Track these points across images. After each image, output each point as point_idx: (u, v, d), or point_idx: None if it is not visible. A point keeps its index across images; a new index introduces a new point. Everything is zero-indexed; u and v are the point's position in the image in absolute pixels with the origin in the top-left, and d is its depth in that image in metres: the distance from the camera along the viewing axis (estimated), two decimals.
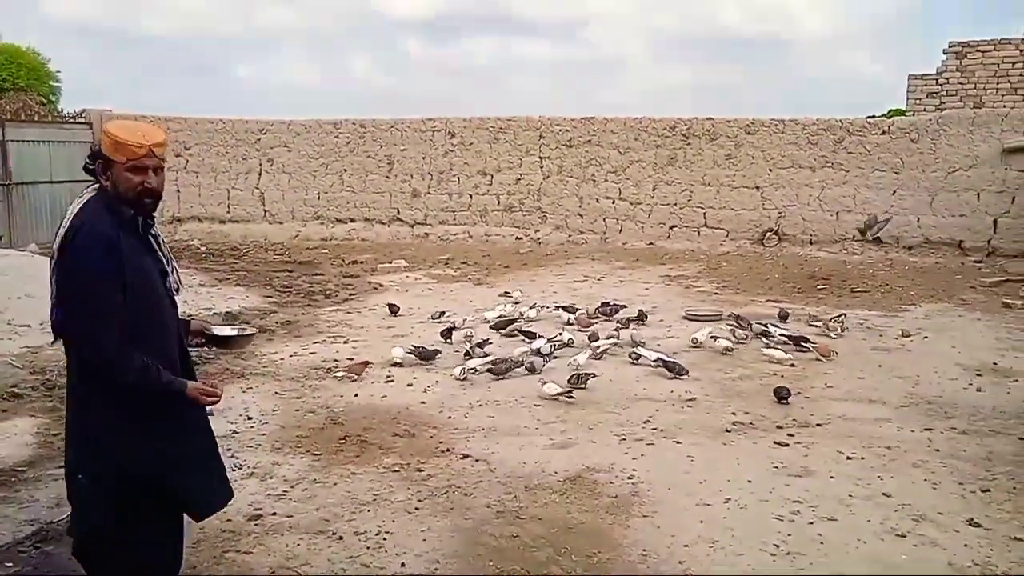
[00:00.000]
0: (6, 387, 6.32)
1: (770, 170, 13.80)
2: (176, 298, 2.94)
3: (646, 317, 8.66)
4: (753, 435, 5.40)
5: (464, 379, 6.58)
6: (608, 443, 5.24)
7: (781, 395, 6.08)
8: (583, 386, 6.30)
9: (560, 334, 7.78)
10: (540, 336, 7.65)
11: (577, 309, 9.07)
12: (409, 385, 6.53)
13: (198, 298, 10.27)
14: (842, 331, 8.14)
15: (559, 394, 6.10)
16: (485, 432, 5.45)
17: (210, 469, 2.94)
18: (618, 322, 8.51)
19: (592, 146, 14.83)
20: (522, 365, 6.83)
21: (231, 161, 16.50)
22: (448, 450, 5.11)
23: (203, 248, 15.10)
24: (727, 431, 5.46)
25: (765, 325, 8.05)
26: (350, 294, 10.91)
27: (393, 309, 9.16)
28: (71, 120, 17.57)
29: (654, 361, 6.86)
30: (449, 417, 5.76)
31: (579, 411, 5.87)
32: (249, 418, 5.69)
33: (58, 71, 24.99)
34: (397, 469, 4.79)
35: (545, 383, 6.31)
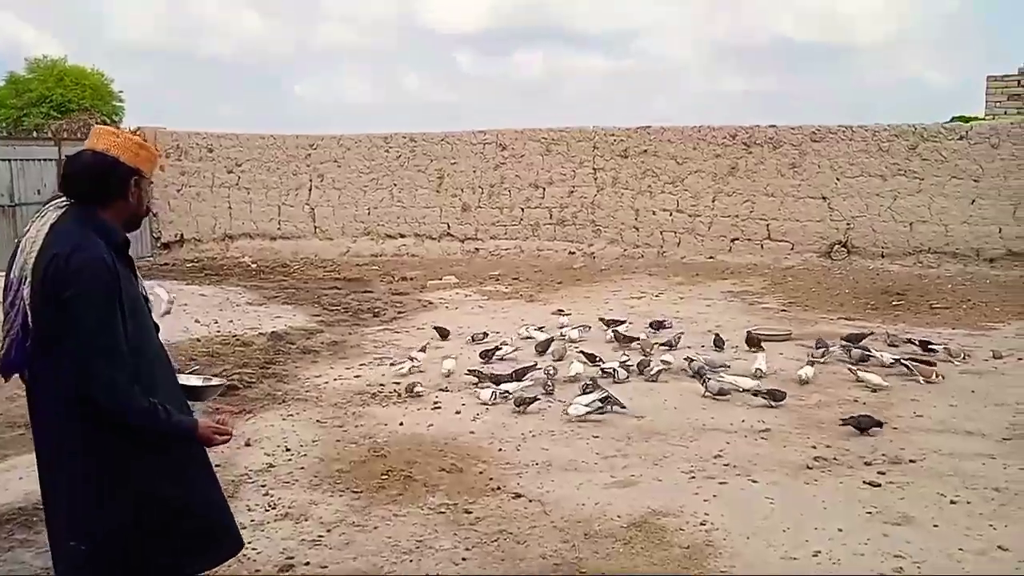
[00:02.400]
0: None
1: (837, 179, 13.08)
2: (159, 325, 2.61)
3: (723, 343, 7.92)
4: (838, 472, 4.84)
5: (493, 404, 6.18)
6: (675, 481, 4.74)
7: (863, 425, 5.50)
8: (610, 408, 5.88)
9: (626, 358, 7.27)
10: (599, 360, 7.15)
11: (622, 323, 8.62)
12: (457, 412, 6.11)
13: (245, 317, 10.06)
14: (965, 357, 7.37)
15: (588, 413, 5.76)
16: (539, 467, 4.99)
17: (213, 514, 2.58)
18: (667, 345, 7.82)
19: (648, 156, 14.29)
20: (548, 392, 6.38)
21: (282, 177, 16.35)
22: (499, 488, 4.67)
23: (254, 265, 14.97)
24: (808, 468, 4.91)
25: (866, 348, 7.45)
26: (399, 312, 10.58)
27: (443, 333, 8.67)
28: None
29: (755, 393, 6.20)
30: (500, 449, 5.31)
31: (643, 444, 5.37)
32: (287, 449, 5.33)
33: (121, 91, 25.47)
34: (443, 510, 4.37)
35: (571, 404, 5.90)
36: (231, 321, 9.68)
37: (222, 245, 16.46)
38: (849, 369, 6.86)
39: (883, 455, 5.08)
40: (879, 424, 5.47)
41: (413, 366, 7.25)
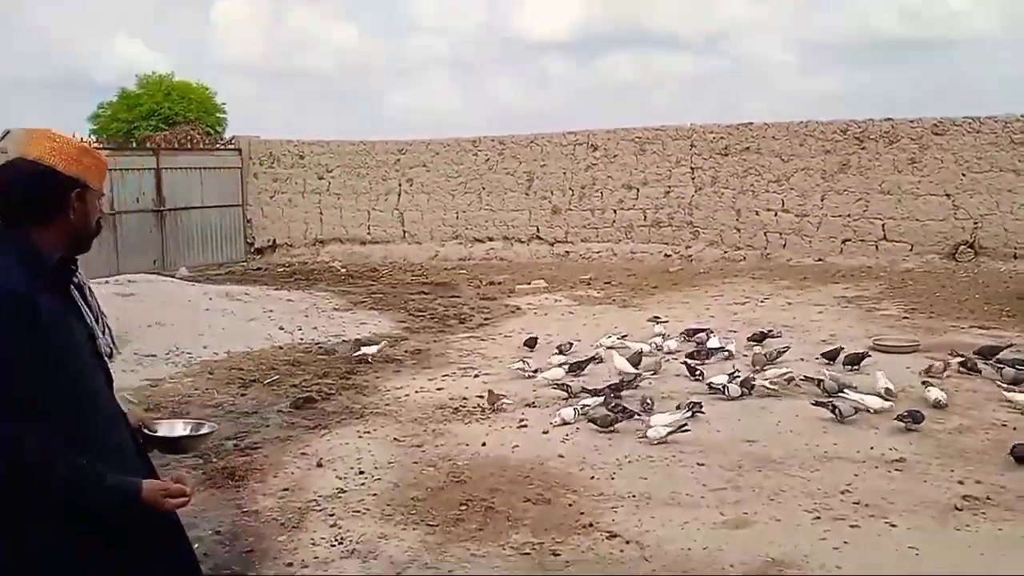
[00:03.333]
0: None
1: (963, 175, 11.96)
2: (110, 367, 2.13)
3: (836, 356, 7.00)
4: (995, 515, 4.08)
5: (569, 423, 5.62)
6: (798, 522, 4.09)
7: (1022, 456, 4.70)
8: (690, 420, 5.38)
9: (735, 370, 6.59)
10: (699, 373, 6.52)
11: (704, 331, 8.03)
12: (545, 433, 5.57)
13: (330, 324, 9.82)
14: None
15: (669, 433, 5.19)
16: (636, 500, 4.42)
17: None
18: (767, 357, 7.01)
19: (750, 154, 13.45)
20: (631, 414, 5.59)
21: (371, 182, 16.24)
22: (591, 525, 4.12)
23: (343, 270, 14.86)
24: (957, 509, 4.17)
25: (1019, 361, 6.49)
26: (485, 319, 10.14)
27: (530, 344, 8.10)
28: (220, 147, 17.94)
29: (899, 417, 5.36)
30: (592, 477, 4.76)
31: (756, 474, 4.71)
32: (360, 472, 4.91)
33: (224, 103, 26.15)
34: (528, 551, 3.85)
35: (650, 427, 5.30)
36: (315, 328, 9.44)
37: (313, 250, 16.47)
38: (999, 385, 5.99)
39: None
40: None
41: (525, 367, 7.04)
